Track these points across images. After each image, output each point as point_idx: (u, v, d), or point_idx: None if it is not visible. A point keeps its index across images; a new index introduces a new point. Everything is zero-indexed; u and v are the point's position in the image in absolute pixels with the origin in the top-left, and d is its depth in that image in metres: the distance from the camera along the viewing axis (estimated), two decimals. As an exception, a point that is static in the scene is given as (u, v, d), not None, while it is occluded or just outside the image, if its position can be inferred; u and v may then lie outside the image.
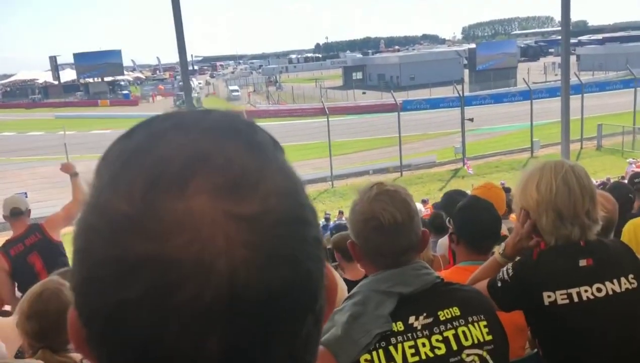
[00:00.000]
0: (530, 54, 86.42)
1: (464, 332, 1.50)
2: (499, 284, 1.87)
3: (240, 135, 0.44)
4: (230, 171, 0.40)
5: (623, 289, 1.74)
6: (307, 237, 0.42)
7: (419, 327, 1.48)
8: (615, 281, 1.75)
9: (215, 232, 0.38)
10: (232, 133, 0.43)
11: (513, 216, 6.03)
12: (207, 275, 0.37)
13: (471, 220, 2.46)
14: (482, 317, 1.54)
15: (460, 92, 27.40)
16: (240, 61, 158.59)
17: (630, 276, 1.77)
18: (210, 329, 0.37)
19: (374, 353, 1.43)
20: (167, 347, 0.37)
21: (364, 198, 1.57)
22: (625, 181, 5.75)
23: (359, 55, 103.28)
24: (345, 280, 3.32)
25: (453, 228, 2.53)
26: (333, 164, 23.91)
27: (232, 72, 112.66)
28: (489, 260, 2.10)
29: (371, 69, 72.93)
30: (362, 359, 1.43)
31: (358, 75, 73.43)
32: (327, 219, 15.85)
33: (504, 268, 1.89)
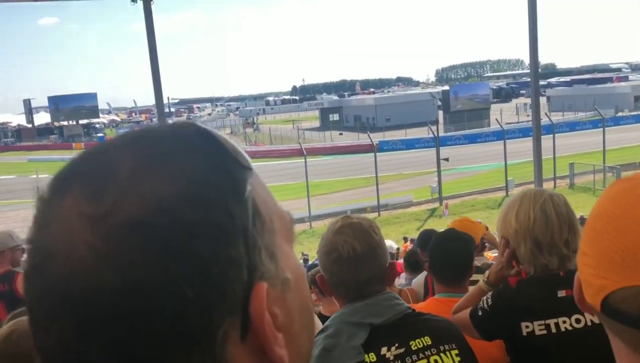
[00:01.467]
0: (503, 95, 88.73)
1: (436, 361, 1.50)
2: (480, 313, 1.86)
3: (147, 143, 0.46)
4: (102, 176, 0.43)
5: None
6: (165, 245, 0.41)
7: (391, 358, 1.48)
8: None
9: (65, 228, 0.41)
10: (141, 142, 0.46)
11: (489, 254, 6.06)
12: (48, 268, 0.41)
13: (443, 253, 2.49)
14: (453, 345, 1.55)
15: (435, 133, 27.85)
16: (218, 103, 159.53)
17: None
18: (52, 319, 0.41)
19: None
20: (34, 323, 0.43)
21: (329, 231, 1.61)
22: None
23: (335, 97, 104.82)
24: (321, 315, 3.27)
25: (429, 262, 2.57)
26: (311, 205, 23.90)
27: (209, 114, 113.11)
28: (474, 288, 2.10)
29: (347, 110, 73.96)
30: None
31: (335, 117, 74.39)
32: (306, 260, 15.72)
33: (485, 297, 1.89)
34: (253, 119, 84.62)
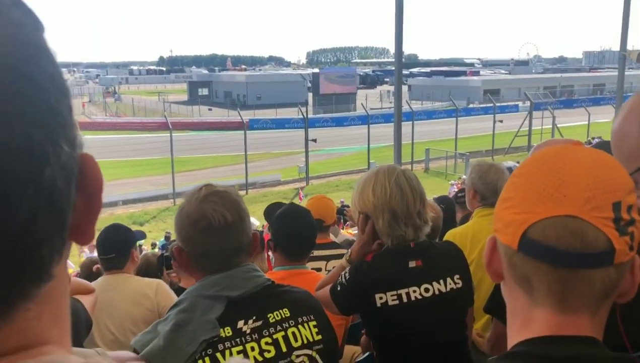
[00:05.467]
0: (369, 82, 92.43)
1: (293, 333, 1.50)
2: (338, 288, 1.91)
3: None
4: None
5: (448, 289, 1.86)
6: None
7: (248, 331, 1.45)
8: (441, 281, 1.86)
9: None
10: None
11: (350, 231, 6.31)
12: None
13: (287, 228, 2.50)
14: (311, 317, 1.55)
15: (305, 114, 28.31)
16: (75, 69, 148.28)
17: (456, 276, 1.89)
18: None
19: (200, 362, 1.37)
20: None
21: (191, 200, 1.50)
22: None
23: (205, 72, 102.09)
24: (181, 289, 3.21)
25: (271, 236, 2.57)
26: (176, 181, 23.16)
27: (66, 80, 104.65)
28: (338, 266, 2.12)
29: (218, 85, 72.43)
30: None
31: (204, 92, 72.45)
32: (168, 238, 15.26)
33: (343, 273, 1.93)
34: (114, 88, 79.76)
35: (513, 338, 0.83)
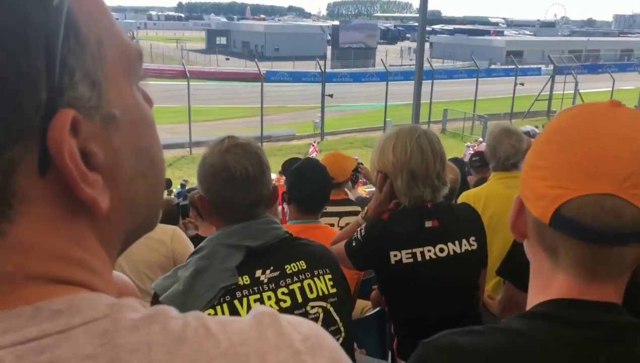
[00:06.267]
0: (389, 37, 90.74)
1: (309, 285, 1.53)
2: (354, 244, 1.94)
3: None
4: None
5: (463, 250, 1.88)
6: None
7: (266, 281, 1.48)
8: (457, 242, 1.88)
9: None
10: None
11: (363, 189, 6.32)
12: None
13: (302, 182, 2.53)
14: (327, 270, 1.58)
15: (323, 68, 27.94)
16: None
17: (472, 238, 1.90)
18: None
19: (218, 308, 1.41)
20: None
21: (214, 151, 1.53)
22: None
23: (224, 20, 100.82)
24: (199, 237, 3.27)
25: (286, 188, 2.61)
26: (192, 130, 23.20)
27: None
28: (353, 222, 2.15)
29: (236, 35, 71.53)
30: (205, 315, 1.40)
31: (222, 40, 71.65)
32: (184, 186, 15.45)
33: (359, 229, 1.96)
34: (133, 33, 79.05)
35: (534, 299, 0.82)
